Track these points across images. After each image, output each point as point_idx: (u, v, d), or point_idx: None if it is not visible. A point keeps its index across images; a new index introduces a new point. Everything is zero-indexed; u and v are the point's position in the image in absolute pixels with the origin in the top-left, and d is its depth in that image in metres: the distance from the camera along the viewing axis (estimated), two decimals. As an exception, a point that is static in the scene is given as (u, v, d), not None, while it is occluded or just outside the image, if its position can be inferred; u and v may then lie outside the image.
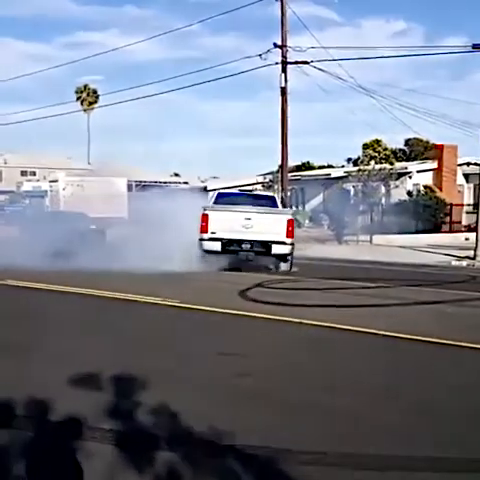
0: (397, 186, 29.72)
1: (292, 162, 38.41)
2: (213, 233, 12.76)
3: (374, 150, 45.30)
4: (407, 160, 38.37)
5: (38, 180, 38.10)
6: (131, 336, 6.51)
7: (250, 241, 12.64)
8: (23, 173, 51.23)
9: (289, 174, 24.96)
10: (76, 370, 4.86)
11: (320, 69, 21.75)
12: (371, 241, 23.55)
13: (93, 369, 4.88)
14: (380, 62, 76.47)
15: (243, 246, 12.71)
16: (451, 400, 4.43)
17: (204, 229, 12.80)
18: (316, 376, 5.11)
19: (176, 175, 59.08)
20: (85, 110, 55.96)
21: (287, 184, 23.38)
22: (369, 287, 10.38)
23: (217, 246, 12.75)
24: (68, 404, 4.05)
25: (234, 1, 54.88)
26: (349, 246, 22.30)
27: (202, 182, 52.95)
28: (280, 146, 22.26)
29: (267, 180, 37.52)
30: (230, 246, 12.77)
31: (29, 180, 37.81)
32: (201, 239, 12.83)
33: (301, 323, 7.01)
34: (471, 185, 30.97)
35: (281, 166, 23.01)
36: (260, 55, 22.24)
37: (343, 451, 3.41)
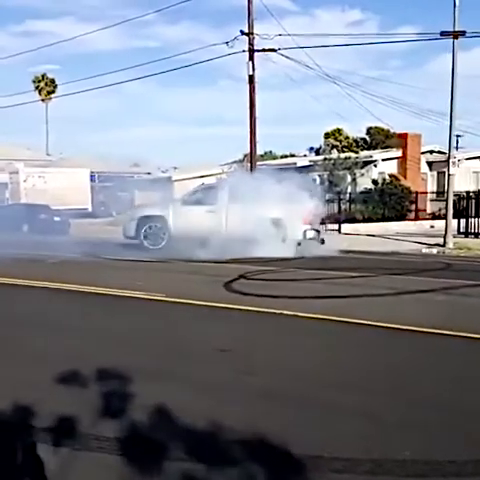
0: (363, 175, 29.96)
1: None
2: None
3: (336, 139, 45.69)
4: (368, 149, 38.69)
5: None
6: (116, 334, 6.20)
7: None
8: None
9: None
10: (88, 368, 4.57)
11: (287, 57, 21.62)
12: (340, 230, 23.65)
13: (82, 368, 4.59)
14: (339, 50, 76.85)
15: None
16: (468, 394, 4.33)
17: (308, 221, 14.59)
18: (322, 371, 4.94)
19: (136, 165, 58.12)
20: (43, 100, 54.35)
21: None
22: (353, 276, 10.30)
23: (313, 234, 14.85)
24: (62, 408, 3.77)
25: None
26: (319, 235, 22.28)
27: (162, 172, 52.28)
28: (248, 135, 22.04)
29: (233, 169, 37.28)
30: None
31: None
32: (305, 230, 14.51)
33: (296, 316, 6.84)
34: (434, 173, 31.49)
35: (250, 155, 22.81)
36: (227, 43, 21.98)
37: (376, 457, 3.22)
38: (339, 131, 45.93)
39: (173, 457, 3.23)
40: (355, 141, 43.88)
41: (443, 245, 17.67)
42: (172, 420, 3.73)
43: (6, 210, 23.89)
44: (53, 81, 55.76)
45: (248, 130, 22.18)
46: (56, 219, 22.86)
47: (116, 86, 34.94)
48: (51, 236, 18.99)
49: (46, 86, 56.30)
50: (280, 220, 14.24)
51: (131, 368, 4.71)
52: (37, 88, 55.35)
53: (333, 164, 30.47)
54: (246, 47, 21.94)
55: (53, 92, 54.25)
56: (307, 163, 31.53)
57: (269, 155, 49.25)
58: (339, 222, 23.94)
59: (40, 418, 3.71)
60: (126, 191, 36.87)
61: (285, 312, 6.97)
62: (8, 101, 62.26)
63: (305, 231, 14.56)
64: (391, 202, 27.24)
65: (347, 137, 45.57)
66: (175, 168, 53.96)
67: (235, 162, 39.12)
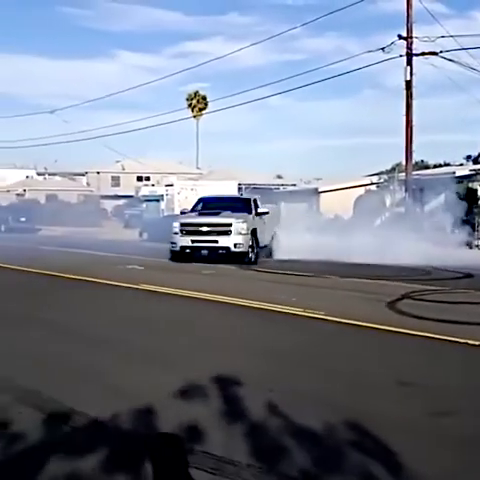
0: None
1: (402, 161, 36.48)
2: None
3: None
4: None
5: (153, 185, 39.08)
6: (280, 352, 5.83)
7: None
8: (139, 178, 53.11)
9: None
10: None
11: (450, 60, 20.18)
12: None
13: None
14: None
15: None
16: None
17: None
18: None
19: (279, 177, 58.61)
20: (195, 116, 57.02)
21: (411, 184, 21.92)
22: None
23: None
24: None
25: (332, 2, 53.64)
26: (482, 251, 20.39)
27: (305, 184, 52.02)
28: (404, 143, 20.92)
29: (381, 180, 35.81)
30: None
31: (146, 185, 38.90)
32: None
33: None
34: None
35: (406, 164, 21.59)
36: (383, 49, 21.16)
37: None
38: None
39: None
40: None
41: None
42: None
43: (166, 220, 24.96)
44: (204, 98, 58.42)
45: (403, 138, 21.06)
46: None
47: (262, 100, 35.55)
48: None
49: (198, 103, 59.10)
50: None
51: (313, 396, 4.27)
52: (190, 105, 58.27)
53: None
54: (403, 52, 20.94)
55: (204, 108, 56.73)
56: (468, 172, 29.20)
57: (420, 164, 46.84)
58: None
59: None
60: (272, 203, 37.18)
61: (470, 342, 6.11)
62: (161, 119, 66.30)
63: None
64: None
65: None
66: (318, 179, 53.52)
67: (383, 172, 37.57)
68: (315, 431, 3.73)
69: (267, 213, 17.26)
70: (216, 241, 15.45)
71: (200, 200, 18.29)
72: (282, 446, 3.50)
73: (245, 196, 20.09)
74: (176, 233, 15.73)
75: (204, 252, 15.73)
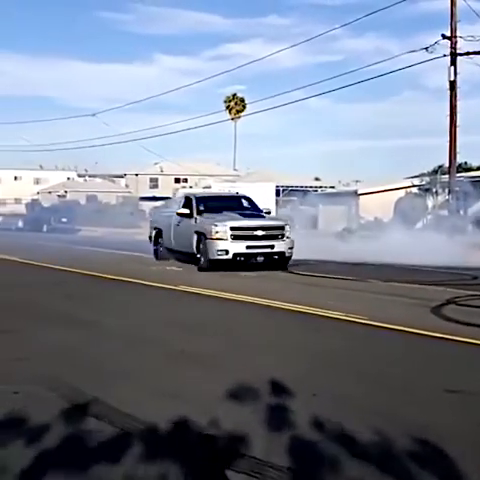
0: None
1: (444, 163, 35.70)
2: None
3: None
4: None
5: (191, 187, 39.35)
6: (324, 356, 5.69)
7: None
8: (176, 180, 53.58)
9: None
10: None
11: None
12: None
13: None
14: None
15: None
16: None
17: None
18: None
19: (317, 179, 58.25)
20: (233, 118, 57.22)
21: (455, 186, 21.41)
22: None
23: None
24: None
25: (370, 2, 52.98)
26: None
27: (343, 186, 51.47)
28: (448, 145, 20.41)
29: (423, 183, 35.10)
30: None
31: (184, 187, 39.23)
32: None
33: None
34: None
35: (449, 166, 21.07)
36: (426, 48, 20.74)
37: None
38: None
39: None
40: None
41: None
42: None
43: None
44: (242, 100, 58.49)
45: (446, 140, 20.56)
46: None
47: (299, 102, 35.38)
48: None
49: (235, 105, 59.25)
50: None
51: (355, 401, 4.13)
52: (228, 108, 58.48)
53: None
54: (446, 51, 20.48)
55: (242, 111, 56.82)
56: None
57: (464, 166, 45.78)
58: None
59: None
60: (310, 205, 36.84)
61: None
62: (199, 121, 66.72)
63: None
64: None
65: None
66: (357, 181, 52.90)
67: (424, 174, 36.85)
68: (362, 438, 3.60)
69: (269, 213, 16.54)
70: (272, 246, 13.70)
71: (192, 199, 15.08)
72: (327, 453, 3.39)
73: (241, 194, 17.26)
74: (221, 239, 13.44)
75: (260, 259, 13.64)
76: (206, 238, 13.52)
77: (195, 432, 3.74)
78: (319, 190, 45.97)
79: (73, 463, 3.29)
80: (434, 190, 33.17)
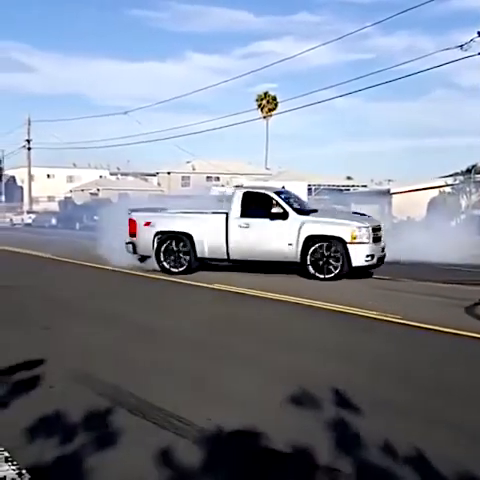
0: None
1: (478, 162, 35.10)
2: None
3: None
4: None
5: (223, 185, 39.53)
6: (361, 357, 5.77)
7: None
8: (208, 178, 53.88)
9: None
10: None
11: None
12: None
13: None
14: None
15: None
16: None
17: None
18: None
19: (349, 178, 57.87)
20: (265, 117, 57.19)
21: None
22: None
23: None
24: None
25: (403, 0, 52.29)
26: None
27: (376, 185, 50.97)
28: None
29: (457, 182, 34.64)
30: None
31: (216, 185, 39.43)
32: None
33: None
34: None
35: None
36: (461, 46, 20.43)
37: None
38: None
39: None
40: None
41: None
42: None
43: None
44: (274, 98, 58.41)
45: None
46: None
47: (331, 101, 35.33)
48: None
49: (267, 104, 59.19)
50: None
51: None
52: (259, 106, 58.46)
53: None
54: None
55: (274, 109, 56.76)
56: None
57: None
58: None
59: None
60: (342, 204, 36.66)
61: None
62: (230, 120, 66.92)
63: None
64: None
65: None
66: (389, 181, 52.37)
67: (458, 174, 36.35)
68: (419, 447, 3.59)
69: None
70: (383, 248, 12.53)
71: (273, 197, 12.40)
72: (383, 462, 3.46)
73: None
74: (363, 242, 11.72)
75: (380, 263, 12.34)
76: (346, 242, 11.64)
77: (258, 438, 3.75)
78: (351, 189, 45.74)
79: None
80: (467, 189, 32.74)
